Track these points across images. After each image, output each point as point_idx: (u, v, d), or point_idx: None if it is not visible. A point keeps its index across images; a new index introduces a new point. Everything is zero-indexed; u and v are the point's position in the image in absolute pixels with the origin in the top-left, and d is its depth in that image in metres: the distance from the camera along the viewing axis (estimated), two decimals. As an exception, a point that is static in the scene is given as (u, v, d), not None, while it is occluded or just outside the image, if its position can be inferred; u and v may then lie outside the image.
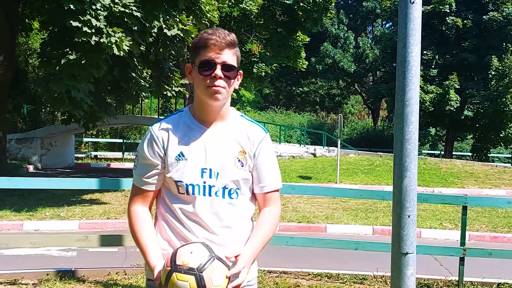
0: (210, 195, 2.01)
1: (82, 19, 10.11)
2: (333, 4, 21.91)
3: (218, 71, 1.96)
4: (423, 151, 32.96)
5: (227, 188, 2.04)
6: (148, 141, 2.07)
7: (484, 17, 28.84)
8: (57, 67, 10.77)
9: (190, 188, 2.01)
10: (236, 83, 2.07)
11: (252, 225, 2.16)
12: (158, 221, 2.12)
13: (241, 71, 2.10)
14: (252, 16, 20.99)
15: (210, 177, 2.02)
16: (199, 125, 2.07)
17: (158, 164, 2.05)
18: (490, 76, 28.37)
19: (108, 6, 10.46)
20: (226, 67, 1.98)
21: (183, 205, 2.04)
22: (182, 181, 2.02)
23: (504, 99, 27.31)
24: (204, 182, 2.01)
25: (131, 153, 30.21)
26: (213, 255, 1.87)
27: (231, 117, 2.11)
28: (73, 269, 6.15)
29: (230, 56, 2.00)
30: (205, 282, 1.81)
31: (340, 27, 43.18)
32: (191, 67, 2.05)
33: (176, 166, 2.02)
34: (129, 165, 25.24)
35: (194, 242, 1.95)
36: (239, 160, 2.06)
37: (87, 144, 30.42)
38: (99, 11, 10.35)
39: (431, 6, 28.45)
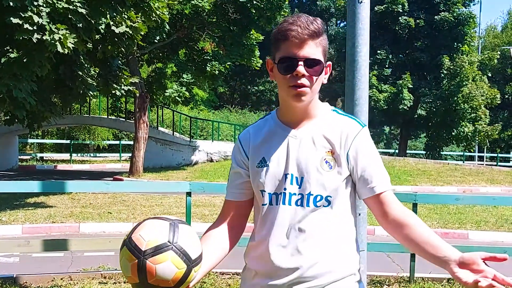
0: (290, 204, 1.76)
1: (22, 15, 9.72)
2: (286, 3, 21.90)
3: (301, 69, 1.70)
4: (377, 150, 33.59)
5: (312, 195, 1.75)
6: (234, 150, 1.94)
7: (435, 17, 29.51)
8: (-2, 66, 10.32)
9: (273, 198, 1.79)
10: (324, 77, 1.80)
11: (356, 245, 1.85)
12: None
13: (330, 62, 1.84)
14: (204, 14, 20.78)
15: (291, 183, 1.77)
16: (284, 126, 1.83)
17: (243, 172, 1.89)
18: (442, 75, 29.12)
19: (51, 2, 10.12)
20: (309, 62, 1.71)
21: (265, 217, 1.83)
22: (264, 190, 1.80)
23: (455, 98, 28.06)
24: (285, 189, 1.77)
25: (79, 154, 29.42)
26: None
27: (321, 113, 1.84)
28: (14, 276, 5.98)
29: (313, 49, 1.72)
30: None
31: (293, 26, 43.49)
32: (272, 64, 1.80)
33: (258, 174, 1.82)
34: (77, 166, 24.91)
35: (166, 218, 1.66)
36: (326, 162, 1.76)
37: (32, 145, 29.57)
38: (41, 7, 9.99)
39: (384, 5, 28.79)
